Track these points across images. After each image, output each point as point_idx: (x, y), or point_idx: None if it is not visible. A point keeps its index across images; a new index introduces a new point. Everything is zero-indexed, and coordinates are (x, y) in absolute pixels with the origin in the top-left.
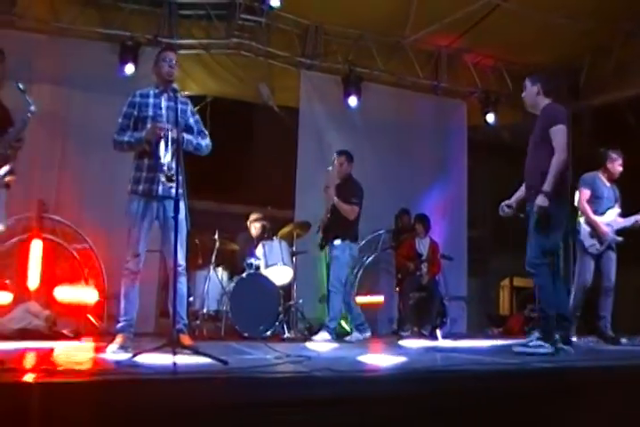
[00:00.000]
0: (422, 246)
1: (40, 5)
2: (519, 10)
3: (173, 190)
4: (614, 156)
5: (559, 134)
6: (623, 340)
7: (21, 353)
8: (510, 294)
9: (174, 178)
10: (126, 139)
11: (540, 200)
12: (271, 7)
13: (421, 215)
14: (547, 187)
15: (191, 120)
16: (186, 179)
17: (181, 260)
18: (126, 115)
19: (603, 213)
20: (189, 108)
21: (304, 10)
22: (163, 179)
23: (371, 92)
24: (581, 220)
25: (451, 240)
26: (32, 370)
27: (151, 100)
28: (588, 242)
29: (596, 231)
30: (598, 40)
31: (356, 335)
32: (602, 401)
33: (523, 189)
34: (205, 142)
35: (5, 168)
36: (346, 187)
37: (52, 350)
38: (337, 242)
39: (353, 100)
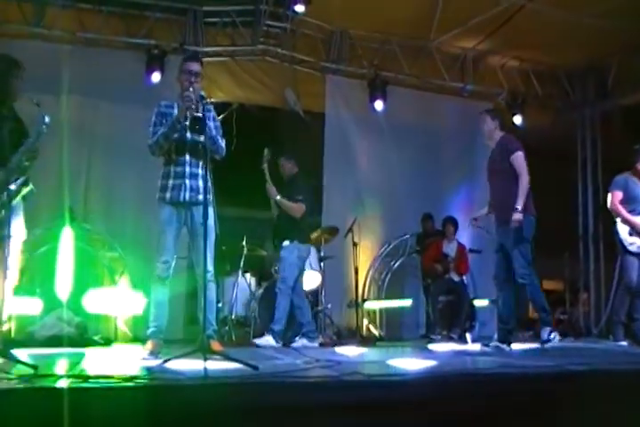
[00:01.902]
0: (450, 249)
1: (67, 17)
2: (545, 10)
3: (200, 196)
4: None
5: (519, 160)
6: None
7: (54, 360)
8: None
9: (201, 122)
10: (160, 132)
11: (517, 216)
12: (296, 13)
13: (451, 217)
14: (519, 204)
15: (211, 124)
16: (213, 186)
17: (210, 266)
18: (156, 123)
19: None
20: (212, 114)
21: (329, 15)
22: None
23: (396, 96)
24: (618, 220)
25: (478, 243)
26: (64, 376)
27: (175, 111)
28: (628, 241)
29: (634, 230)
30: (627, 38)
31: (302, 342)
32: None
33: (486, 208)
34: (221, 144)
35: (21, 179)
36: (291, 186)
37: (83, 356)
38: (285, 243)
39: (379, 105)
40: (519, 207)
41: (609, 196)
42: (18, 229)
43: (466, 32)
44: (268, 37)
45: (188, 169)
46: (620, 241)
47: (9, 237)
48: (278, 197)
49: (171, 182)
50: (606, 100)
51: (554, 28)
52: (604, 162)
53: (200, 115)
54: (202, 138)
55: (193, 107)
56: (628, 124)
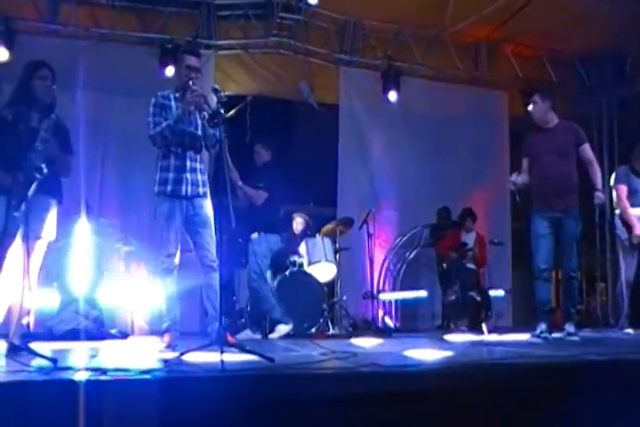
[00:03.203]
0: (469, 239)
1: (81, 13)
2: None
3: (200, 189)
4: None
5: (590, 151)
6: None
7: (72, 353)
8: (556, 286)
9: (219, 116)
10: (165, 124)
11: (602, 197)
12: (309, 4)
13: (469, 209)
14: (600, 185)
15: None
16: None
17: (214, 256)
18: (155, 113)
19: None
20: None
21: (341, 6)
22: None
23: (410, 87)
24: (616, 213)
25: (494, 233)
26: (83, 369)
27: (173, 104)
28: (624, 235)
29: (626, 226)
30: None
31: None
32: None
33: (524, 175)
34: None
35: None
36: (260, 173)
37: (100, 349)
38: (254, 236)
39: (392, 95)
40: (600, 188)
41: (614, 191)
42: (49, 229)
43: (479, 21)
44: (282, 30)
45: (188, 163)
46: (618, 235)
47: (38, 238)
48: (240, 183)
49: (171, 176)
50: (623, 87)
51: (568, 14)
52: (621, 150)
53: (218, 108)
54: (199, 132)
55: (202, 100)
56: None
